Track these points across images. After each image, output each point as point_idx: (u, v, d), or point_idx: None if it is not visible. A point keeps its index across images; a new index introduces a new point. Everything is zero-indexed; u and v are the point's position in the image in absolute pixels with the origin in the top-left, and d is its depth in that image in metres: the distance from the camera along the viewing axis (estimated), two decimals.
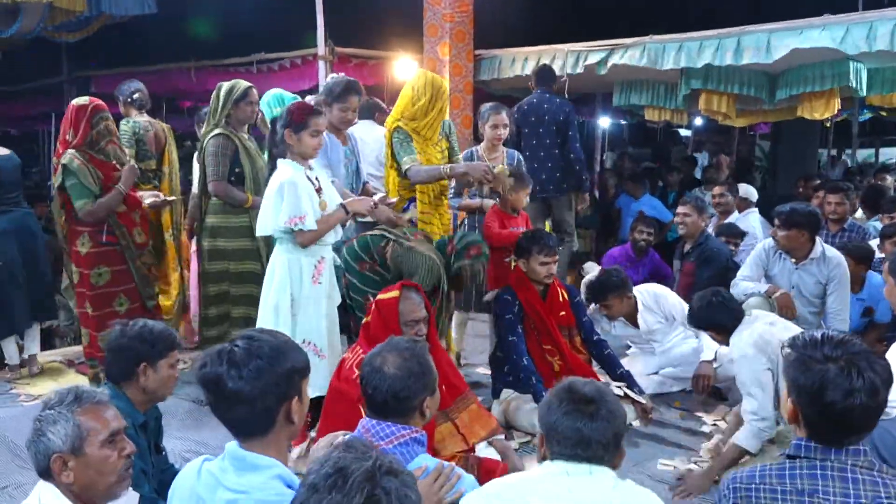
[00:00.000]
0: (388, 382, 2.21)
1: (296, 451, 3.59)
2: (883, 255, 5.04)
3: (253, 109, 4.57)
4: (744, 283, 4.65)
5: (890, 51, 5.24)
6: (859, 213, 6.85)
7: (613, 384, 4.11)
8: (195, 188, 5.04)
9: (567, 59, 6.91)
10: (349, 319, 4.05)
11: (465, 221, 5.20)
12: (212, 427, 3.94)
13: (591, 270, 5.63)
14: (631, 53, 6.46)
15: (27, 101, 11.67)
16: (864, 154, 16.32)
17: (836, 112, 6.48)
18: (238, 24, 9.20)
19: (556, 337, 4.18)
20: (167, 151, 5.51)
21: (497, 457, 3.34)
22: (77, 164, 4.35)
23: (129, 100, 5.46)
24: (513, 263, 4.30)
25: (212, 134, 4.46)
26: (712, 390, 4.61)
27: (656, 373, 4.78)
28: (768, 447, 3.57)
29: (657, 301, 4.72)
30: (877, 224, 6.18)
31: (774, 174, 11.01)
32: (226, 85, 4.54)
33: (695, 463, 3.79)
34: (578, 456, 1.91)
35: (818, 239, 4.58)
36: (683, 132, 15.69)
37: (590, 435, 1.90)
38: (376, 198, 3.94)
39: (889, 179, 9.24)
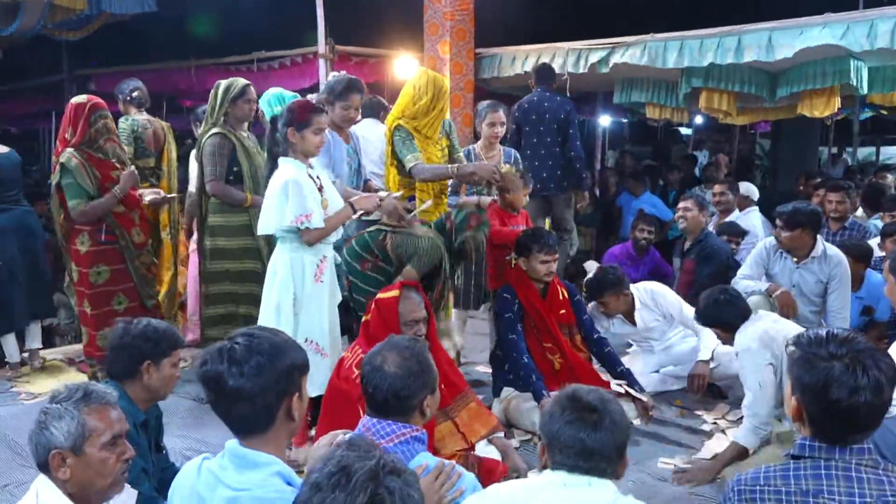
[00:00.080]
0: (388, 381, 2.21)
1: (301, 453, 3.59)
2: (883, 254, 5.04)
3: (251, 107, 4.55)
4: (744, 282, 4.65)
5: (890, 48, 5.24)
6: (860, 212, 6.84)
7: (614, 382, 4.12)
8: (192, 186, 5.05)
9: (567, 57, 6.91)
10: (350, 320, 4.04)
11: None
12: (212, 425, 3.94)
13: (592, 269, 5.64)
14: (632, 52, 6.45)
15: (27, 100, 11.66)
16: (864, 152, 16.30)
17: (836, 110, 6.48)
18: (238, 22, 9.20)
19: (556, 335, 4.18)
20: (166, 150, 5.51)
21: (497, 455, 3.35)
22: (75, 163, 4.35)
23: (128, 98, 5.46)
24: (513, 262, 4.30)
25: (209, 133, 4.45)
26: (713, 389, 4.63)
27: (657, 371, 4.79)
28: (776, 448, 3.57)
29: (654, 299, 4.72)
30: (877, 222, 6.18)
31: (775, 172, 11.01)
32: (223, 83, 4.53)
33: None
34: (580, 468, 1.87)
35: (819, 237, 4.57)
36: (684, 130, 15.69)
37: (592, 445, 1.86)
38: (382, 193, 3.95)
39: (889, 178, 9.21)
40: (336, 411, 3.16)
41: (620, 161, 11.38)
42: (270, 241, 4.16)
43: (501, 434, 3.55)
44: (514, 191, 4.58)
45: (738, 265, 5.13)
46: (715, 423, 4.25)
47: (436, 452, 2.92)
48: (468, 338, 5.44)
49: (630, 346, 5.13)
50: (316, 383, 3.40)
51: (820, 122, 10.33)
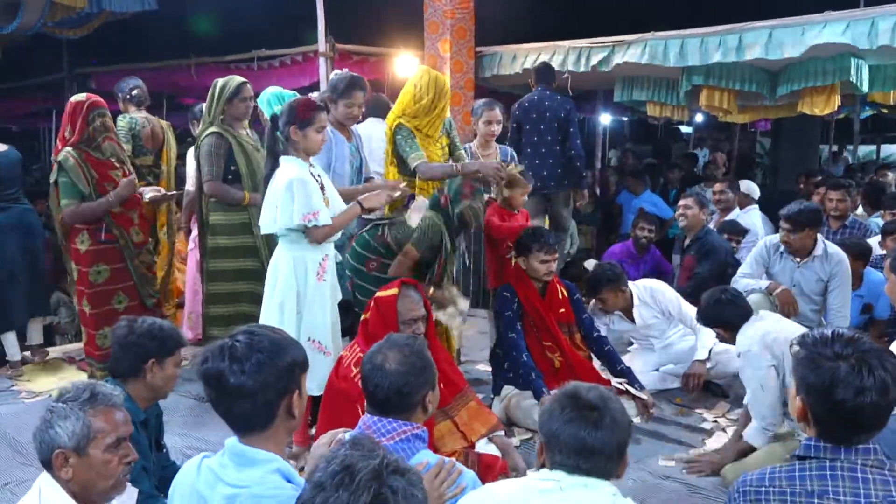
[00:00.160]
0: (390, 379, 2.22)
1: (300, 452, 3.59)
2: (884, 252, 5.04)
3: (247, 106, 4.53)
4: (744, 280, 4.65)
5: (891, 46, 5.23)
6: (860, 210, 6.84)
7: (614, 380, 4.12)
8: (189, 185, 5.05)
9: (568, 55, 6.90)
10: (350, 321, 4.03)
11: None
12: (213, 424, 3.94)
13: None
14: (633, 52, 6.44)
15: (28, 98, 11.64)
16: (864, 151, 16.31)
17: (836, 108, 6.47)
18: (238, 20, 9.18)
19: (555, 334, 4.18)
20: (165, 148, 5.50)
21: (498, 454, 3.35)
22: (72, 163, 4.35)
23: (127, 96, 5.45)
24: (513, 260, 4.30)
25: (206, 133, 4.45)
26: (714, 387, 4.64)
27: (657, 370, 4.79)
28: (776, 445, 3.57)
29: (653, 296, 4.73)
30: (878, 220, 6.18)
31: (775, 171, 11.01)
32: (219, 82, 4.52)
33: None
34: (580, 468, 1.83)
35: (819, 236, 4.57)
36: (684, 129, 15.69)
37: (593, 444, 1.82)
38: (378, 181, 3.96)
39: (890, 176, 9.23)
40: (335, 410, 3.16)
41: (623, 159, 11.39)
42: (269, 239, 4.16)
43: (501, 433, 3.55)
44: (520, 189, 4.59)
45: (737, 263, 5.14)
46: (715, 421, 4.26)
47: (435, 451, 2.92)
48: (468, 337, 5.44)
49: (631, 344, 5.13)
50: (318, 382, 3.40)
51: (820, 121, 10.33)
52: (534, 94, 6.16)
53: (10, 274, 4.91)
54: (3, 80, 10.60)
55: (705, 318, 3.87)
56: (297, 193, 3.38)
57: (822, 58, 5.85)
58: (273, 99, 4.69)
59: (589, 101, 10.96)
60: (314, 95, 4.73)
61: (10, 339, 5.07)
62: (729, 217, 6.45)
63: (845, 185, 5.98)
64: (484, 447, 3.39)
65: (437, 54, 7.31)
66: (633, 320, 4.75)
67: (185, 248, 5.52)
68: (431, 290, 3.84)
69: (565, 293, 4.35)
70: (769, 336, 3.51)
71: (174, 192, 5.22)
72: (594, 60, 6.71)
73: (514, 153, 5.25)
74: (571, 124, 6.03)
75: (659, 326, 4.78)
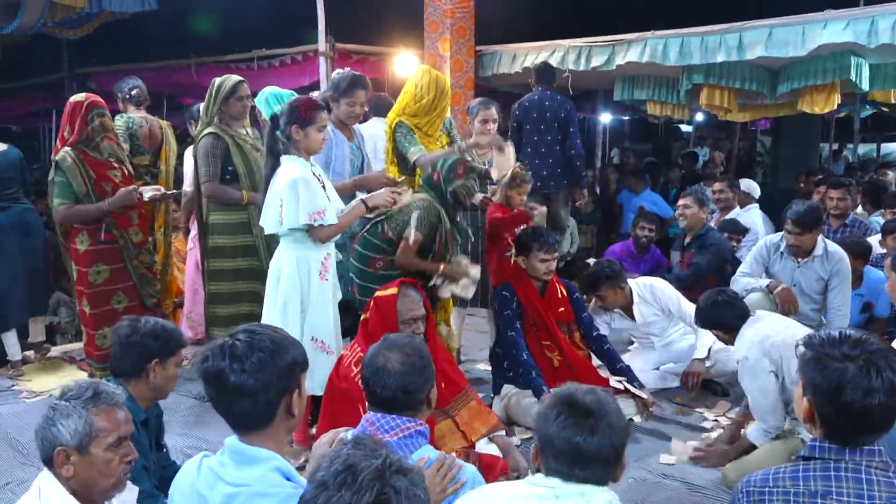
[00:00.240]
0: (395, 379, 2.23)
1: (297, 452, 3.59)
2: (884, 251, 5.04)
3: (244, 105, 4.50)
4: (744, 280, 4.65)
5: (891, 45, 5.23)
6: (859, 209, 6.84)
7: (613, 379, 4.13)
8: (187, 185, 5.05)
9: (568, 54, 6.90)
10: (350, 322, 4.02)
11: None
12: (213, 424, 3.95)
13: None
14: (634, 52, 6.43)
15: (28, 98, 11.66)
16: (864, 149, 16.30)
17: (836, 107, 6.47)
18: (238, 20, 9.19)
19: (554, 333, 4.18)
20: (164, 148, 5.49)
21: (499, 453, 3.35)
22: (69, 163, 4.35)
23: (127, 96, 5.45)
24: (512, 259, 4.30)
25: (203, 133, 4.45)
26: (714, 386, 4.64)
27: (657, 369, 4.80)
28: (782, 445, 3.58)
29: (653, 293, 4.73)
30: (879, 219, 6.17)
31: (776, 169, 11.00)
32: (217, 81, 4.50)
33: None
34: (575, 475, 1.79)
35: (819, 235, 4.57)
36: (684, 128, 15.68)
37: (589, 451, 1.77)
38: (381, 178, 3.97)
39: (890, 175, 9.21)
40: (336, 410, 3.16)
41: (624, 159, 11.39)
42: (268, 239, 4.16)
43: (502, 432, 3.55)
44: (525, 185, 4.60)
45: (737, 261, 5.13)
46: (716, 420, 4.26)
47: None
48: (468, 335, 5.45)
49: (631, 343, 5.14)
50: (321, 381, 3.40)
51: (820, 119, 10.32)
52: (534, 94, 6.18)
53: (9, 273, 4.91)
54: (4, 80, 10.61)
55: (703, 320, 3.87)
56: (301, 193, 3.37)
57: (823, 56, 5.85)
58: (271, 98, 4.69)
59: (589, 100, 10.96)
60: (315, 94, 4.73)
61: (11, 338, 5.07)
62: (729, 216, 6.45)
63: (845, 184, 5.97)
64: (484, 447, 3.39)
65: (437, 53, 7.31)
66: (633, 318, 4.76)
67: (184, 248, 5.52)
68: (442, 266, 3.84)
69: (565, 292, 4.35)
70: (767, 342, 3.49)
71: (174, 191, 5.22)
72: (594, 61, 6.71)
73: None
74: (571, 124, 6.05)
75: (659, 324, 4.78)
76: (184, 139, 5.62)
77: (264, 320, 3.55)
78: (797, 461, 1.83)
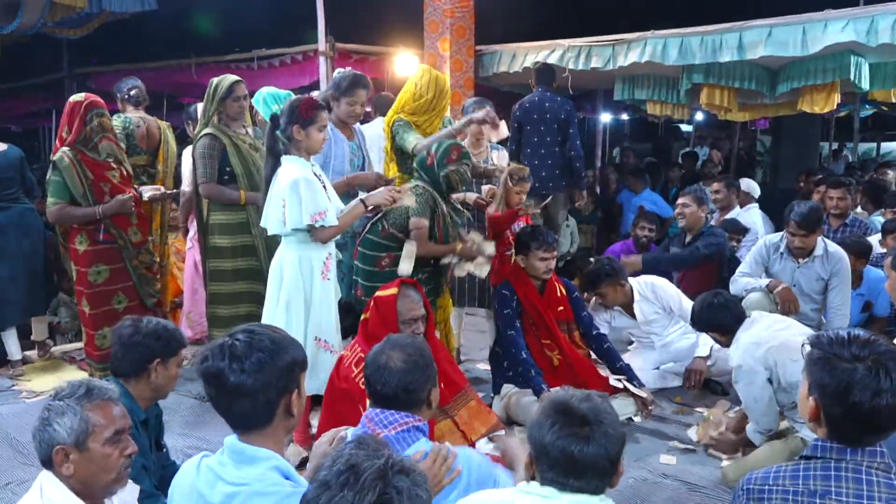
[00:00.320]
0: (396, 378, 2.24)
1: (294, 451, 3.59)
2: (884, 251, 5.04)
3: (241, 105, 4.49)
4: (743, 280, 4.65)
5: (891, 44, 5.22)
6: (859, 209, 6.84)
7: (613, 377, 4.13)
8: (185, 185, 5.05)
9: (567, 53, 6.89)
10: (350, 321, 4.02)
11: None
12: (214, 423, 3.95)
13: None
14: (634, 54, 6.43)
15: (28, 98, 11.66)
16: (864, 148, 16.30)
17: (835, 106, 6.47)
18: (238, 20, 9.19)
19: (554, 331, 4.19)
20: (162, 149, 5.49)
21: (497, 453, 3.35)
22: (66, 163, 4.35)
23: (126, 96, 5.45)
24: (512, 258, 4.31)
25: (200, 134, 4.44)
26: (714, 385, 4.65)
27: (657, 368, 4.80)
28: (781, 444, 3.59)
29: (654, 291, 4.74)
30: (879, 219, 6.17)
31: (776, 169, 11.00)
32: (214, 81, 4.49)
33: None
34: (571, 485, 1.76)
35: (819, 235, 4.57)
36: (684, 127, 15.69)
37: (584, 460, 1.74)
38: (374, 177, 3.98)
39: (890, 174, 9.21)
40: (337, 410, 3.16)
41: (624, 159, 11.39)
42: (267, 239, 4.16)
43: (502, 432, 3.55)
44: (524, 183, 4.59)
45: (737, 262, 5.13)
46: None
47: None
48: (468, 335, 5.45)
49: (631, 343, 5.14)
50: (325, 381, 3.40)
51: (820, 119, 10.32)
52: (534, 95, 6.19)
53: (9, 274, 4.91)
54: (4, 80, 10.62)
55: (699, 323, 3.87)
56: (303, 193, 3.37)
57: (823, 56, 5.84)
58: (269, 98, 4.69)
59: (589, 100, 10.96)
60: (315, 94, 4.73)
61: (11, 338, 5.07)
62: (729, 216, 6.44)
63: (845, 184, 5.97)
64: (484, 447, 3.39)
65: (436, 53, 7.31)
66: (633, 316, 4.76)
67: (184, 247, 5.52)
68: (459, 246, 3.82)
69: (564, 291, 4.36)
70: (761, 349, 3.49)
71: (174, 190, 5.22)
72: (594, 61, 6.69)
73: (503, 151, 5.24)
74: (571, 125, 6.08)
75: (660, 322, 4.79)
76: (183, 139, 5.61)
77: (265, 320, 3.54)
78: (799, 460, 1.83)
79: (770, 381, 3.48)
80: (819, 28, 5.50)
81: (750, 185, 7.20)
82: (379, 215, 3.88)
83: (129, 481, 2.21)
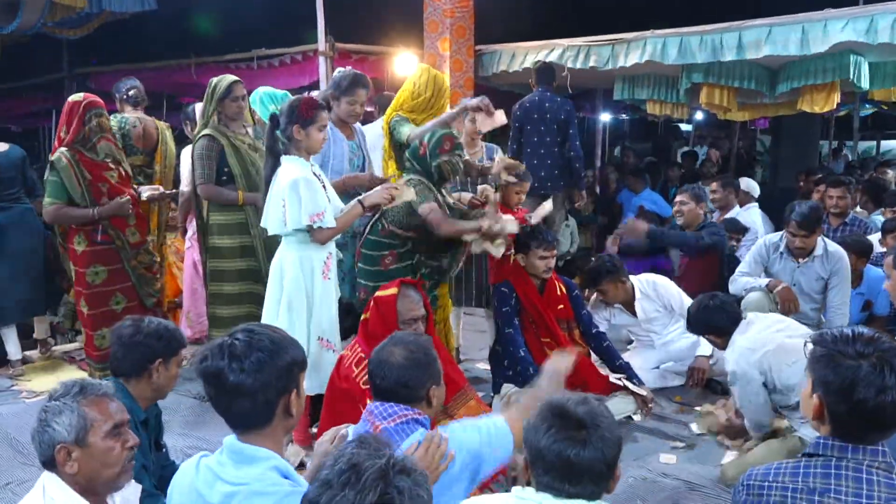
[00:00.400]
0: (395, 372, 2.27)
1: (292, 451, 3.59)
2: (884, 250, 5.04)
3: (239, 105, 4.47)
4: (743, 279, 4.65)
5: (890, 44, 5.23)
6: (858, 208, 6.84)
7: (612, 376, 4.13)
8: (184, 185, 5.05)
9: (567, 53, 6.89)
10: (350, 322, 4.02)
11: None
12: (214, 423, 3.95)
13: None
14: (634, 54, 6.43)
15: (28, 98, 11.66)
16: (864, 146, 16.29)
17: (835, 106, 6.47)
18: (238, 20, 9.19)
19: (554, 330, 4.19)
20: (160, 149, 5.48)
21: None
22: (64, 163, 4.35)
23: (124, 97, 5.45)
24: (511, 258, 4.31)
25: (199, 135, 4.44)
26: (714, 384, 4.66)
27: (657, 367, 4.80)
28: (780, 443, 3.60)
29: (656, 289, 4.75)
30: (879, 218, 6.17)
31: (776, 168, 11.00)
32: (213, 82, 4.48)
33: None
34: (566, 491, 1.73)
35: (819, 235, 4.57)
36: (684, 127, 15.68)
37: (580, 465, 1.71)
38: (368, 178, 3.98)
39: (890, 173, 9.22)
40: (338, 409, 3.16)
41: (624, 158, 11.39)
42: (266, 240, 4.16)
43: None
44: (523, 183, 4.60)
45: (736, 262, 5.13)
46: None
47: None
48: (467, 335, 5.45)
49: (630, 342, 5.14)
50: (325, 380, 3.41)
51: (820, 118, 10.32)
52: (534, 95, 6.20)
53: (9, 274, 4.91)
54: (4, 80, 10.61)
55: (695, 325, 3.86)
56: (303, 193, 3.36)
57: (822, 55, 5.85)
58: (266, 98, 4.70)
59: (588, 100, 10.96)
60: (315, 94, 4.73)
61: (11, 338, 5.08)
62: (729, 215, 6.44)
63: (845, 183, 5.97)
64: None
65: (436, 53, 7.31)
66: (634, 314, 4.77)
67: (183, 247, 5.52)
68: (483, 224, 3.79)
69: (564, 289, 4.36)
70: (756, 353, 3.50)
71: (173, 190, 5.22)
72: (594, 61, 6.68)
73: (499, 150, 5.24)
74: (571, 126, 6.09)
75: (661, 320, 4.80)
76: (182, 139, 5.61)
77: (265, 321, 3.53)
78: (801, 458, 1.83)
79: (765, 384, 3.49)
80: (819, 28, 5.50)
81: (749, 185, 7.20)
82: (378, 215, 3.88)
83: (132, 480, 2.21)
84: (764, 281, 4.56)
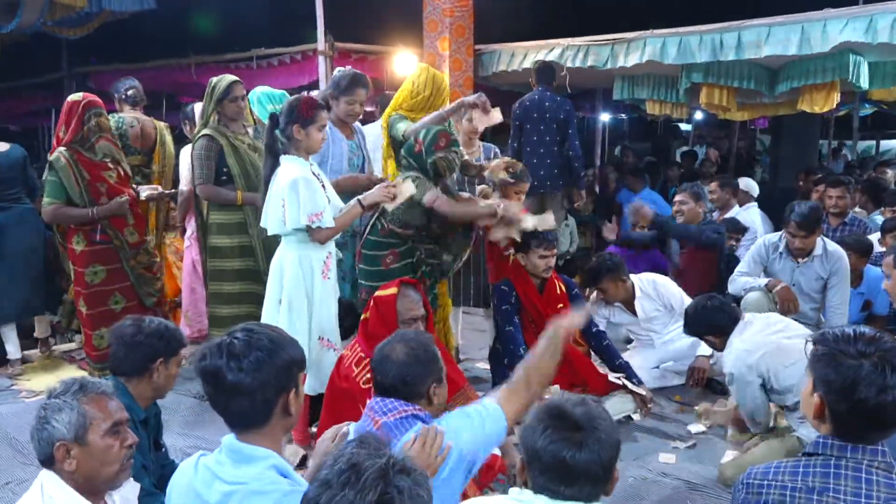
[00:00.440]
0: (395, 368, 2.29)
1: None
2: (884, 249, 5.04)
3: (238, 105, 4.46)
4: (742, 279, 4.65)
5: (890, 43, 5.23)
6: (857, 208, 6.83)
7: (612, 375, 4.14)
8: (183, 184, 5.05)
9: (567, 52, 6.89)
10: (350, 322, 4.01)
11: None
12: (213, 423, 3.95)
13: None
14: (634, 55, 6.42)
15: (27, 97, 11.66)
16: (863, 145, 16.29)
17: (835, 105, 6.46)
18: (238, 19, 9.19)
19: None
20: (158, 149, 5.48)
21: (497, 451, 3.35)
22: (62, 163, 4.35)
23: (123, 96, 5.45)
24: (511, 257, 4.31)
25: (198, 135, 4.44)
26: (714, 384, 4.66)
27: (657, 367, 4.80)
28: (778, 443, 3.60)
29: (656, 288, 4.75)
30: (878, 218, 6.17)
31: (775, 168, 11.00)
32: (212, 82, 4.48)
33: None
34: (562, 493, 1.71)
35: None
36: (684, 126, 15.69)
37: (576, 467, 1.68)
38: (363, 179, 3.98)
39: (889, 173, 9.22)
40: (338, 409, 3.17)
41: (624, 158, 11.38)
42: (265, 240, 4.15)
43: None
44: (522, 183, 4.60)
45: (736, 261, 5.13)
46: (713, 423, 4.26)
47: None
48: (467, 334, 5.45)
49: (629, 342, 5.15)
50: (326, 380, 3.41)
51: (820, 118, 10.31)
52: (534, 94, 6.20)
53: (8, 274, 4.90)
54: (3, 80, 10.60)
55: (693, 325, 3.86)
56: (302, 193, 3.36)
57: (822, 55, 5.85)
58: (263, 98, 4.69)
59: (588, 99, 10.95)
60: (315, 93, 4.73)
61: (11, 337, 5.08)
62: (728, 214, 6.44)
63: (844, 182, 5.97)
64: None
65: (436, 52, 7.31)
66: (634, 313, 4.77)
67: (182, 247, 5.52)
68: (501, 203, 3.76)
69: (564, 289, 4.37)
70: (753, 356, 3.50)
71: (172, 190, 5.22)
72: (593, 61, 6.68)
73: (497, 150, 5.25)
74: (570, 125, 6.10)
75: (661, 320, 4.80)
76: (181, 139, 5.61)
77: (265, 320, 3.53)
78: (801, 457, 1.83)
79: (764, 385, 3.49)
80: (818, 27, 5.50)
81: (749, 184, 7.20)
82: (377, 215, 3.88)
83: (130, 479, 2.21)
84: (763, 281, 4.56)
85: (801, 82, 6.17)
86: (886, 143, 17.72)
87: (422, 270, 3.96)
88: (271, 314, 3.55)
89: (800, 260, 4.53)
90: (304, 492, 1.50)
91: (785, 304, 4.38)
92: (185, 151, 4.95)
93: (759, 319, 3.73)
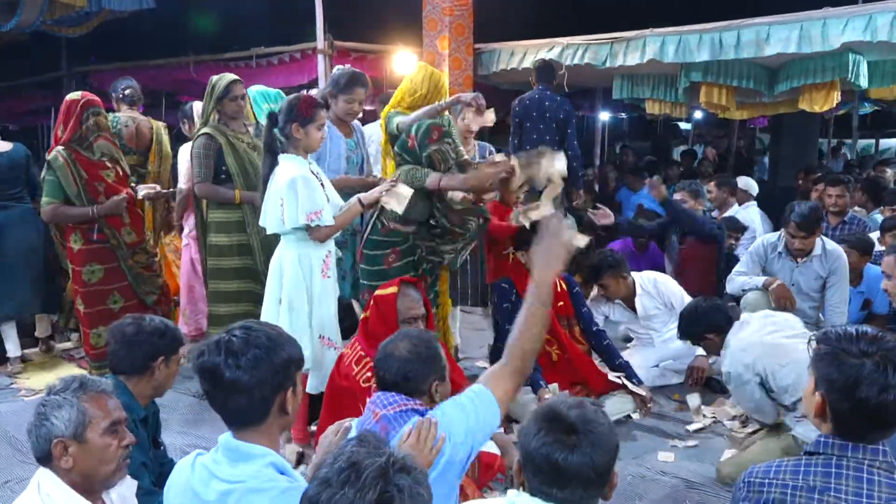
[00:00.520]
0: (398, 365, 2.31)
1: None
2: (883, 248, 5.03)
3: (238, 104, 4.46)
4: (740, 278, 4.65)
5: (889, 42, 5.23)
6: (857, 207, 6.83)
7: (612, 374, 4.14)
8: (182, 183, 5.05)
9: (566, 51, 6.89)
10: (350, 322, 4.01)
11: None
12: (212, 422, 3.95)
13: None
14: (634, 55, 6.42)
15: (27, 96, 11.66)
16: (862, 144, 16.28)
17: (835, 105, 6.46)
18: (237, 18, 9.20)
19: (554, 327, 4.19)
20: (155, 148, 5.47)
21: (497, 450, 3.35)
22: (61, 162, 4.35)
23: (120, 96, 5.45)
24: (511, 256, 4.31)
25: (198, 134, 4.44)
26: (713, 382, 4.65)
27: (656, 366, 4.80)
28: (776, 442, 3.60)
29: (657, 286, 4.76)
30: (878, 217, 6.17)
31: (775, 167, 11.00)
32: (212, 81, 4.47)
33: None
34: (555, 496, 1.69)
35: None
36: (683, 125, 15.69)
37: (567, 469, 1.66)
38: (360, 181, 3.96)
39: (889, 172, 9.22)
40: (338, 407, 3.17)
41: (623, 157, 11.39)
42: (263, 239, 4.15)
43: (501, 430, 3.55)
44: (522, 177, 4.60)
45: (735, 260, 5.13)
46: (714, 416, 4.26)
47: None
48: (466, 333, 5.45)
49: (629, 340, 5.15)
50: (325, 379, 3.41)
51: (819, 117, 10.32)
52: (534, 93, 6.21)
53: (8, 274, 4.90)
54: (2, 78, 10.61)
55: (690, 326, 3.84)
56: (300, 191, 3.36)
57: (821, 54, 5.85)
58: (259, 97, 4.69)
59: (588, 98, 10.96)
60: (314, 92, 4.72)
61: (11, 335, 5.08)
62: (728, 213, 6.45)
63: (844, 181, 5.96)
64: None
65: (435, 51, 7.31)
66: (634, 310, 4.78)
67: (180, 245, 5.52)
68: (514, 161, 3.83)
69: (564, 286, 4.37)
70: (749, 356, 3.50)
71: (171, 189, 5.22)
72: (593, 59, 6.68)
73: (492, 149, 5.25)
74: (569, 125, 6.12)
75: (661, 318, 4.80)
76: (180, 138, 5.61)
77: (265, 319, 3.52)
78: (802, 456, 1.83)
79: (762, 385, 3.49)
80: (818, 26, 5.50)
81: (748, 183, 7.19)
82: (377, 214, 3.88)
83: (128, 476, 2.21)
84: (760, 279, 4.55)
85: (801, 82, 6.17)
86: (886, 142, 17.72)
87: (423, 268, 3.97)
88: (271, 313, 3.55)
89: (799, 260, 4.53)
90: (302, 489, 1.50)
91: (781, 301, 4.38)
92: (184, 150, 4.95)
93: (756, 319, 3.72)
